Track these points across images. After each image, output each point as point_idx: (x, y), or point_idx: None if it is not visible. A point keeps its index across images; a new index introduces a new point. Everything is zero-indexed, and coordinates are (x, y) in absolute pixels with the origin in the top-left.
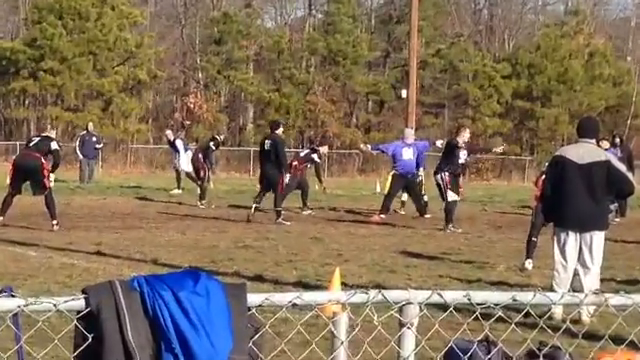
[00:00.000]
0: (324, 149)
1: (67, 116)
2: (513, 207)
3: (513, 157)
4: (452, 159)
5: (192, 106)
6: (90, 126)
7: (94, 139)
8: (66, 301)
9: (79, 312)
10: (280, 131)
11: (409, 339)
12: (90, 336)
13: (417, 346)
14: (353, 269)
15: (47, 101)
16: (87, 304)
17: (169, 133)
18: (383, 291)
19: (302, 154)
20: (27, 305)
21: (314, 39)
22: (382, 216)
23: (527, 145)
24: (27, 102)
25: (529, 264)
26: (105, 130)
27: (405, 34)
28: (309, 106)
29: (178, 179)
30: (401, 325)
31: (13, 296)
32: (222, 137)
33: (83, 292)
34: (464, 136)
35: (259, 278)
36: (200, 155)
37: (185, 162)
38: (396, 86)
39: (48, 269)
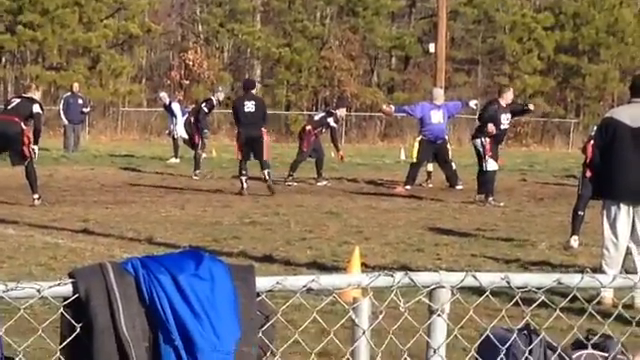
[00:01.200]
0: (341, 112)
1: (49, 76)
2: (556, 177)
3: (556, 120)
4: (494, 123)
5: (191, 64)
6: (75, 87)
7: (80, 102)
8: (51, 286)
9: (66, 299)
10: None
11: (440, 327)
12: (78, 326)
13: (449, 335)
14: (375, 248)
15: (26, 59)
16: (75, 290)
17: (164, 95)
18: (410, 273)
19: (316, 117)
20: (7, 291)
21: None
22: (407, 187)
23: (572, 106)
24: (4, 60)
25: (575, 241)
26: (93, 91)
27: None
28: (324, 63)
29: (175, 147)
30: (431, 312)
31: None
32: (220, 96)
33: (70, 276)
34: (507, 97)
35: (268, 259)
36: (192, 119)
37: (182, 128)
38: (423, 40)
39: (29, 249)
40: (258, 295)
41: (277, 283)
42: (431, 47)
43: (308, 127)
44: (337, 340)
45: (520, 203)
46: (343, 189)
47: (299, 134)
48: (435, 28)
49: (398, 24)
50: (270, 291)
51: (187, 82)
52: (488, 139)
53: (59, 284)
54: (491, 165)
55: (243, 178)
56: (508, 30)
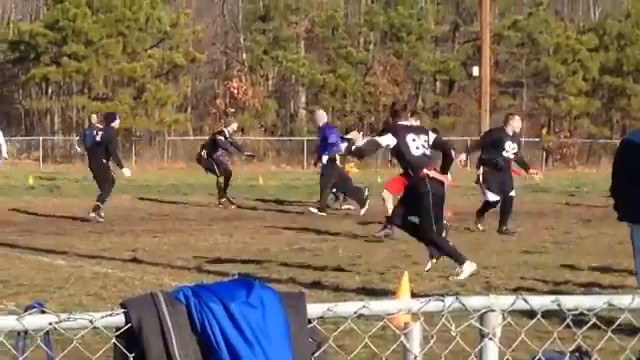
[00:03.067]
0: (354, 134)
1: (95, 106)
2: (603, 198)
3: (602, 140)
4: (496, 149)
5: (236, 92)
6: (94, 118)
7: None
8: (103, 317)
9: (118, 329)
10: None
11: (492, 351)
12: (131, 356)
13: (500, 359)
14: (423, 272)
15: (72, 89)
16: (127, 320)
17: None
18: (461, 298)
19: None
20: (60, 322)
21: (373, 12)
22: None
23: (618, 126)
24: (50, 91)
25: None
26: (138, 121)
27: (476, 4)
28: (369, 88)
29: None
30: (482, 335)
31: (44, 312)
32: (234, 127)
33: (122, 306)
34: (514, 125)
35: (317, 285)
36: (204, 152)
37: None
38: (467, 63)
39: (79, 279)
40: (309, 322)
41: (328, 310)
42: (475, 71)
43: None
44: None
45: (568, 225)
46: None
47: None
48: (479, 52)
49: (442, 48)
50: (321, 317)
51: (232, 110)
52: (485, 169)
53: (111, 314)
54: (492, 197)
55: None
56: (552, 52)
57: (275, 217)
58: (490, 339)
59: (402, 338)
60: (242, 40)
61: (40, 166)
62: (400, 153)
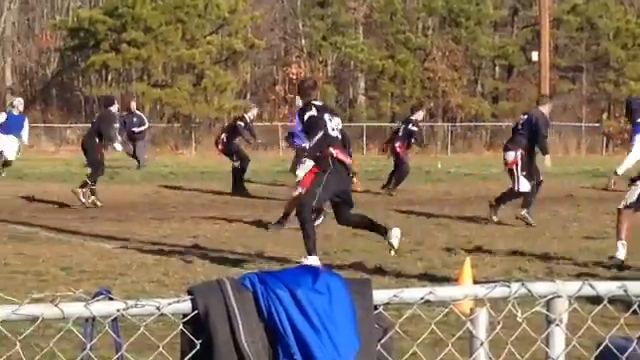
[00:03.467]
0: (418, 114)
1: (155, 93)
2: None
3: None
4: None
5: (295, 78)
6: (132, 106)
7: (134, 120)
8: (170, 303)
9: (185, 315)
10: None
11: (558, 337)
12: (198, 342)
13: (567, 345)
14: (485, 258)
15: (132, 76)
16: (194, 306)
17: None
18: (527, 284)
19: (400, 133)
20: (127, 309)
21: None
22: None
23: None
24: (109, 78)
25: None
26: (198, 108)
27: None
28: (428, 74)
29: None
30: (549, 322)
31: (111, 299)
32: (254, 112)
33: (189, 293)
34: (547, 108)
35: (379, 271)
36: (224, 136)
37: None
38: (526, 48)
39: (141, 266)
40: (375, 308)
41: (394, 296)
42: (534, 55)
43: (397, 144)
44: (454, 350)
45: None
46: (450, 199)
47: (392, 150)
48: (538, 36)
49: (501, 33)
50: (387, 304)
51: (291, 96)
52: (522, 153)
53: (178, 301)
54: (524, 186)
55: None
56: (612, 37)
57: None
58: (557, 325)
59: (468, 324)
60: (301, 26)
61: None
62: (314, 131)
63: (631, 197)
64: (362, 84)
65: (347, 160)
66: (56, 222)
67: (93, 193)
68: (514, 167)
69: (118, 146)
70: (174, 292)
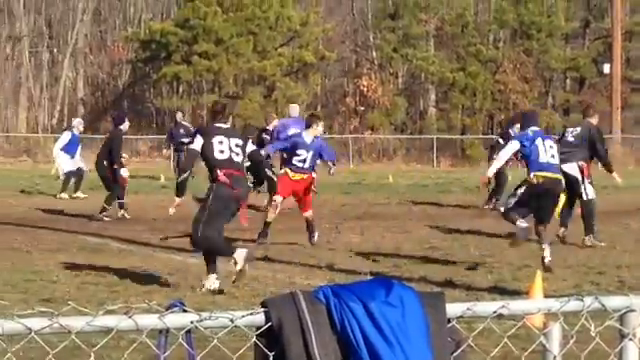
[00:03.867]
0: (516, 127)
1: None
2: None
3: None
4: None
5: (365, 90)
6: (179, 117)
7: (181, 131)
8: (244, 316)
9: (258, 328)
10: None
11: (632, 351)
12: (271, 355)
13: None
14: (555, 271)
15: (203, 88)
16: (268, 319)
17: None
18: (601, 297)
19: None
20: (201, 321)
21: (503, 10)
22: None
23: None
24: (180, 90)
25: None
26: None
27: (607, 0)
28: (498, 86)
29: None
30: (622, 336)
31: (185, 310)
32: (273, 125)
33: (262, 305)
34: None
35: (449, 283)
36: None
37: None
38: (598, 60)
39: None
40: (449, 321)
41: (468, 309)
42: (606, 68)
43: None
44: None
45: None
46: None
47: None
48: (610, 49)
49: (572, 45)
50: (460, 317)
51: (362, 108)
52: (583, 163)
53: (252, 313)
54: (591, 192)
55: None
56: None
57: (406, 216)
58: (630, 339)
59: (542, 338)
60: (372, 38)
61: (171, 164)
62: (203, 154)
63: None
64: (432, 96)
65: (228, 184)
66: (126, 233)
67: (122, 207)
68: (579, 176)
69: (124, 172)
70: (244, 304)
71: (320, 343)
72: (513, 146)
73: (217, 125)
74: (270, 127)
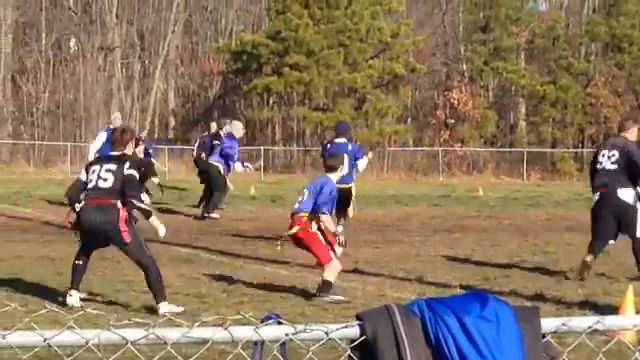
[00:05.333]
0: None
1: (316, 116)
2: None
3: None
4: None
5: (456, 102)
6: (213, 127)
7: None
8: (339, 328)
9: (353, 341)
10: None
11: None
12: None
13: None
14: None
15: (293, 100)
16: (362, 332)
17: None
18: None
19: None
20: (296, 333)
21: (594, 23)
22: None
23: None
24: (271, 101)
25: None
26: (358, 132)
27: None
28: (590, 100)
29: None
30: None
31: (280, 323)
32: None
33: (357, 318)
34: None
35: (540, 297)
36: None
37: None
38: None
39: (301, 290)
40: (543, 336)
41: (562, 324)
42: None
43: None
44: None
45: None
46: None
47: None
48: None
49: None
50: (554, 332)
51: (452, 121)
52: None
53: (346, 326)
54: None
55: None
56: None
57: (496, 229)
58: None
59: (637, 354)
60: (462, 51)
61: (261, 176)
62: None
63: None
64: (523, 109)
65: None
66: (217, 244)
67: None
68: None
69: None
70: (333, 316)
71: (414, 357)
72: None
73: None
74: (222, 132)
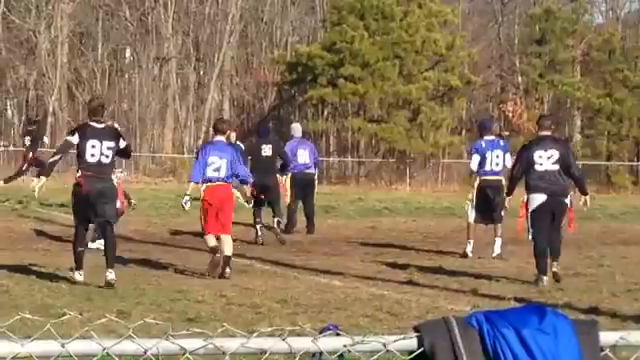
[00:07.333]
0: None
1: (370, 128)
2: None
3: None
4: None
5: (511, 115)
6: (232, 137)
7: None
8: (396, 340)
9: (410, 352)
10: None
11: None
12: None
13: None
14: None
15: (348, 111)
16: (420, 343)
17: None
18: None
19: None
20: (354, 344)
21: None
22: None
23: None
24: (325, 113)
25: None
26: (413, 143)
27: None
28: None
29: None
30: None
31: (338, 334)
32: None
33: (415, 330)
34: None
35: (594, 311)
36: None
37: None
38: None
39: (355, 300)
40: (601, 350)
41: (621, 338)
42: None
43: None
44: None
45: None
46: None
47: None
48: None
49: None
50: (614, 346)
51: (507, 133)
52: None
53: (404, 338)
54: None
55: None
56: None
57: None
58: None
59: None
60: (517, 63)
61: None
62: (78, 153)
63: None
64: (578, 122)
65: (85, 185)
66: (271, 255)
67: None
68: None
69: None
70: (387, 327)
71: None
72: None
73: (93, 125)
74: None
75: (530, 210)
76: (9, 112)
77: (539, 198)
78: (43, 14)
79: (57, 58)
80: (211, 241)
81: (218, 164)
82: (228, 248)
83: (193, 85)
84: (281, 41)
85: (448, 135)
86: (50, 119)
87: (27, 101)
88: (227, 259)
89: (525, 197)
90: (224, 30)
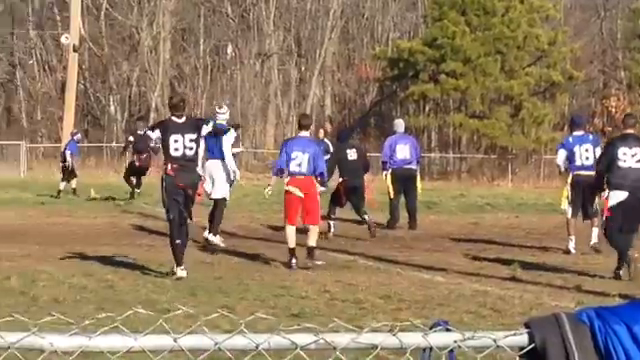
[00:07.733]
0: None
1: (472, 123)
2: None
3: None
4: None
5: (613, 110)
6: (321, 133)
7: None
8: (507, 336)
9: (521, 349)
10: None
11: None
12: None
13: None
14: None
15: (449, 107)
16: (531, 340)
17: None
18: None
19: None
20: (464, 340)
21: None
22: None
23: None
24: (427, 108)
25: None
26: (515, 139)
27: None
28: None
29: None
30: None
31: (448, 330)
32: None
33: (526, 326)
34: None
35: None
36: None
37: None
38: None
39: (458, 297)
40: None
41: None
42: None
43: None
44: None
45: None
46: None
47: None
48: None
49: None
50: None
51: (610, 129)
52: None
53: (515, 334)
54: None
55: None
56: None
57: None
58: None
59: None
60: (620, 58)
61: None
62: (163, 148)
63: None
64: None
65: (175, 178)
66: (374, 250)
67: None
68: None
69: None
70: (491, 323)
71: None
72: None
73: (174, 120)
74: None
75: (609, 206)
76: (112, 108)
77: (620, 195)
78: (145, 11)
79: (159, 54)
80: (291, 240)
81: (301, 159)
82: (313, 238)
83: (295, 81)
84: (382, 37)
85: (550, 131)
86: (153, 115)
87: (130, 97)
88: (310, 250)
89: (607, 193)
90: (325, 26)
